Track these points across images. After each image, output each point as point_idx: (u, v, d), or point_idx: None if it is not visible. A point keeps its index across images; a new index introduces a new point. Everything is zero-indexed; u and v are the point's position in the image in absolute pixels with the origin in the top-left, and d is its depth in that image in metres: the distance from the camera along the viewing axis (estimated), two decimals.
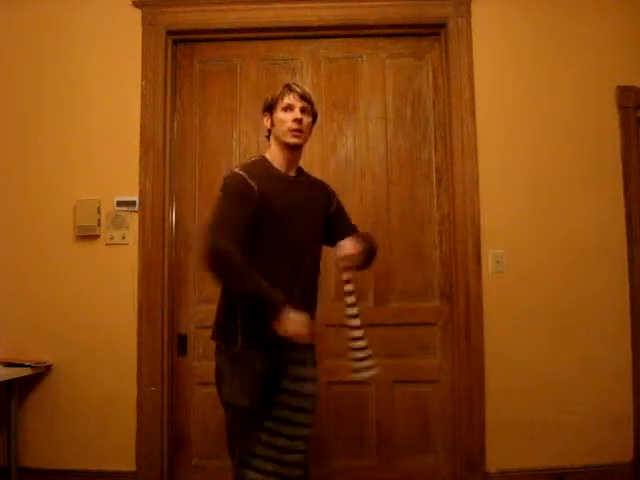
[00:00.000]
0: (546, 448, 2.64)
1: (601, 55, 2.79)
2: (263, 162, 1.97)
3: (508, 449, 2.64)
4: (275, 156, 1.97)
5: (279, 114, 1.94)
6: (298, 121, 1.92)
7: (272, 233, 1.87)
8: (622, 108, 2.76)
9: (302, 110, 1.94)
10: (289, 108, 1.93)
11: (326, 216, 2.06)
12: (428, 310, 2.77)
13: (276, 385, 1.88)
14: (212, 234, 1.82)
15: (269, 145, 2.02)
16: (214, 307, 2.72)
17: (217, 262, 1.81)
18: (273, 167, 1.95)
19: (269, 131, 2.00)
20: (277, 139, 1.96)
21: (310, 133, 2.01)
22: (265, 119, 2.00)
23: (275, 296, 1.77)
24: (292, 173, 1.99)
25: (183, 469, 2.73)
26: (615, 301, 2.69)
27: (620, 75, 2.76)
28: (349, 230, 2.08)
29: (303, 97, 1.95)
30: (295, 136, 1.93)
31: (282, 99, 1.94)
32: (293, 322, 1.74)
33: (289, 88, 1.96)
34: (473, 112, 2.74)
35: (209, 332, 2.70)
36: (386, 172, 2.84)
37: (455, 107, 2.76)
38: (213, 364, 2.68)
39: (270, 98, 1.98)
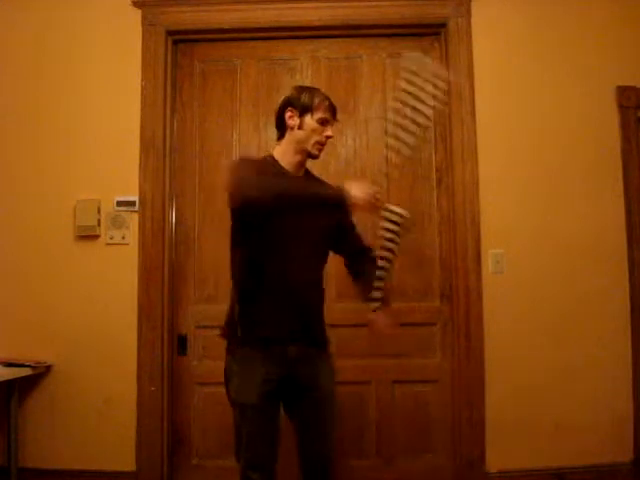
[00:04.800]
0: (546, 448, 2.64)
1: (601, 55, 2.79)
2: (270, 161, 1.94)
3: (508, 449, 2.64)
4: (285, 156, 1.94)
5: (312, 122, 1.90)
6: (328, 138, 1.93)
7: (277, 231, 1.85)
8: (622, 108, 2.76)
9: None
10: (325, 122, 1.91)
11: (334, 219, 2.00)
12: (428, 310, 2.77)
13: (288, 386, 1.87)
14: (234, 173, 1.84)
15: (278, 142, 1.97)
16: (214, 307, 2.76)
17: (246, 187, 1.78)
18: (281, 167, 1.93)
19: (286, 127, 1.93)
20: (298, 142, 1.92)
21: None
22: (291, 116, 1.92)
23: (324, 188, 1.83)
24: (300, 174, 1.98)
25: (183, 469, 2.73)
26: (615, 301, 2.69)
27: (620, 75, 2.76)
28: (356, 246, 2.10)
29: (335, 115, 1.96)
30: (320, 150, 1.94)
31: (321, 110, 1.90)
32: (358, 189, 1.75)
33: (330, 102, 1.94)
34: (473, 112, 2.74)
35: (209, 332, 2.75)
36: (386, 172, 2.83)
37: (455, 107, 2.76)
38: (213, 364, 2.71)
39: (305, 100, 1.91)
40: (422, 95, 1.84)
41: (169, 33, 2.83)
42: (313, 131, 1.90)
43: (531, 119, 2.76)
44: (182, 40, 2.88)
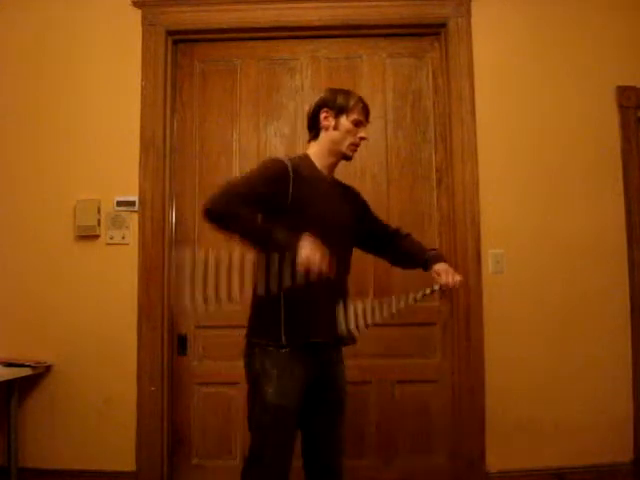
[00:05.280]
0: (546, 448, 2.64)
1: (601, 55, 2.79)
2: (308, 160, 1.95)
3: (508, 449, 2.64)
4: (319, 157, 1.95)
5: (347, 123, 1.92)
6: (363, 140, 1.95)
7: (320, 234, 1.81)
8: (622, 108, 2.76)
9: None
10: (359, 124, 1.94)
11: (357, 220, 2.05)
12: (428, 310, 2.76)
13: (313, 388, 1.87)
14: (218, 192, 1.74)
15: (312, 142, 1.98)
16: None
17: (214, 213, 1.72)
18: (316, 168, 1.94)
19: (320, 128, 1.95)
20: (332, 143, 1.93)
21: None
22: (326, 116, 1.94)
23: (281, 231, 1.71)
24: (329, 178, 1.99)
25: (183, 469, 2.73)
26: (615, 301, 2.69)
27: (620, 75, 2.76)
28: (388, 231, 2.13)
29: (368, 118, 1.99)
30: (354, 151, 1.96)
31: (356, 111, 1.93)
32: (309, 250, 1.66)
33: (364, 105, 1.96)
34: (473, 112, 2.74)
35: (209, 332, 2.75)
36: (386, 172, 2.84)
37: (455, 107, 2.76)
38: (213, 364, 2.72)
39: (341, 101, 1.94)
40: None
41: (169, 33, 2.83)
42: (348, 132, 1.92)
43: (531, 119, 2.76)
44: (182, 40, 2.88)
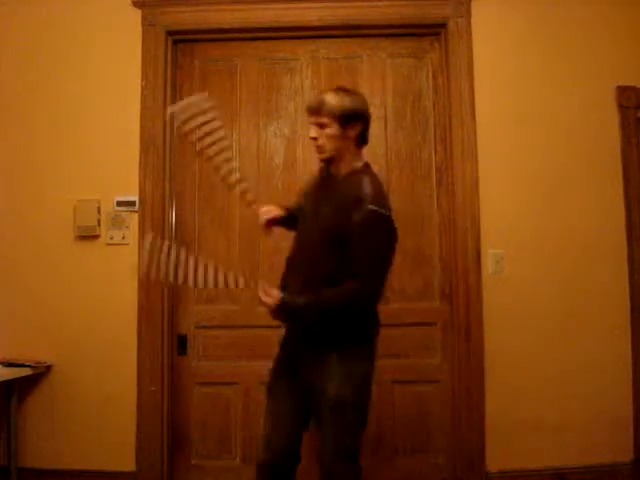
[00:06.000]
0: (546, 448, 2.64)
1: (601, 55, 2.79)
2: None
3: (508, 449, 2.63)
4: None
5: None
6: (313, 140, 1.89)
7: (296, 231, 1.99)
8: (622, 108, 2.76)
9: (320, 126, 1.85)
10: (311, 124, 1.91)
11: (338, 228, 1.81)
12: (428, 310, 2.77)
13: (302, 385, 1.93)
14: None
15: None
16: (214, 307, 2.77)
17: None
18: (323, 169, 1.99)
19: None
20: None
21: (354, 135, 1.87)
22: None
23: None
24: (324, 173, 1.99)
25: (183, 469, 2.73)
26: (615, 301, 2.69)
27: (620, 75, 2.76)
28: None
29: (312, 112, 1.88)
30: (318, 152, 1.91)
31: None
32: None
33: (310, 102, 1.94)
34: (473, 112, 2.74)
35: (209, 332, 2.76)
36: (386, 172, 2.83)
37: (455, 107, 2.76)
38: (213, 364, 2.73)
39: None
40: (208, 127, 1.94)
41: (169, 33, 2.82)
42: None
43: (531, 119, 2.76)
44: (182, 40, 2.88)
